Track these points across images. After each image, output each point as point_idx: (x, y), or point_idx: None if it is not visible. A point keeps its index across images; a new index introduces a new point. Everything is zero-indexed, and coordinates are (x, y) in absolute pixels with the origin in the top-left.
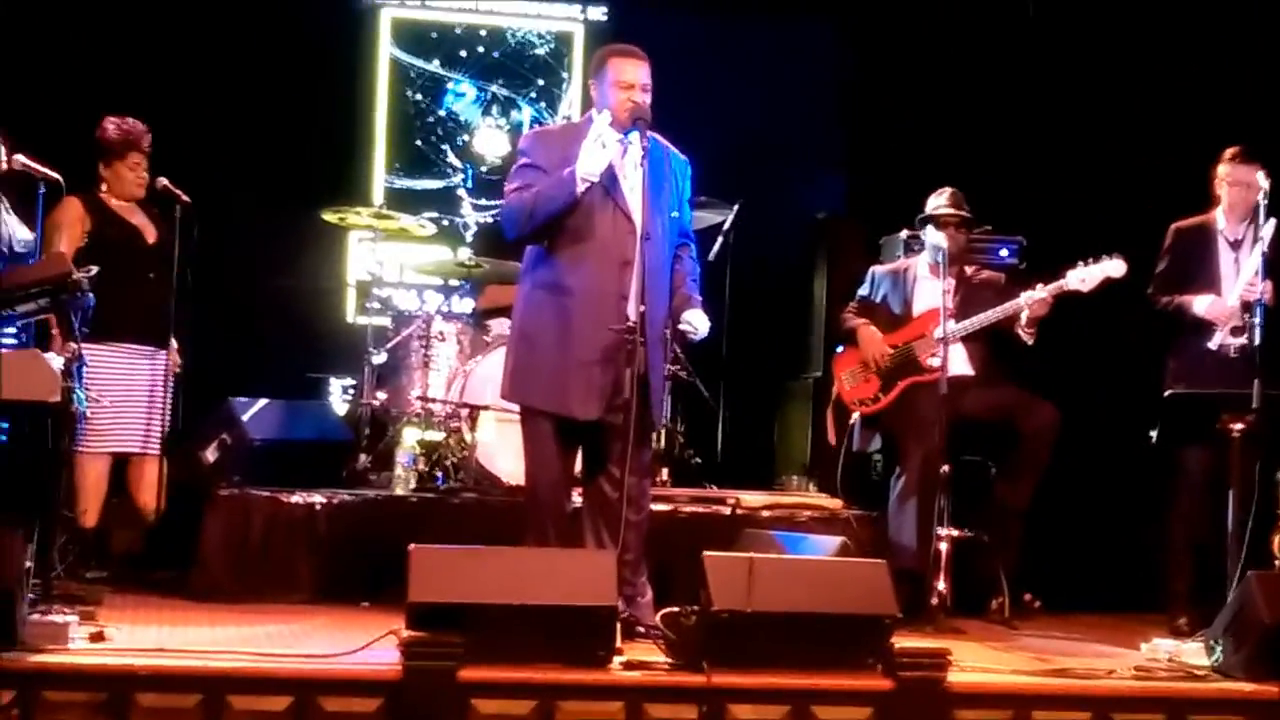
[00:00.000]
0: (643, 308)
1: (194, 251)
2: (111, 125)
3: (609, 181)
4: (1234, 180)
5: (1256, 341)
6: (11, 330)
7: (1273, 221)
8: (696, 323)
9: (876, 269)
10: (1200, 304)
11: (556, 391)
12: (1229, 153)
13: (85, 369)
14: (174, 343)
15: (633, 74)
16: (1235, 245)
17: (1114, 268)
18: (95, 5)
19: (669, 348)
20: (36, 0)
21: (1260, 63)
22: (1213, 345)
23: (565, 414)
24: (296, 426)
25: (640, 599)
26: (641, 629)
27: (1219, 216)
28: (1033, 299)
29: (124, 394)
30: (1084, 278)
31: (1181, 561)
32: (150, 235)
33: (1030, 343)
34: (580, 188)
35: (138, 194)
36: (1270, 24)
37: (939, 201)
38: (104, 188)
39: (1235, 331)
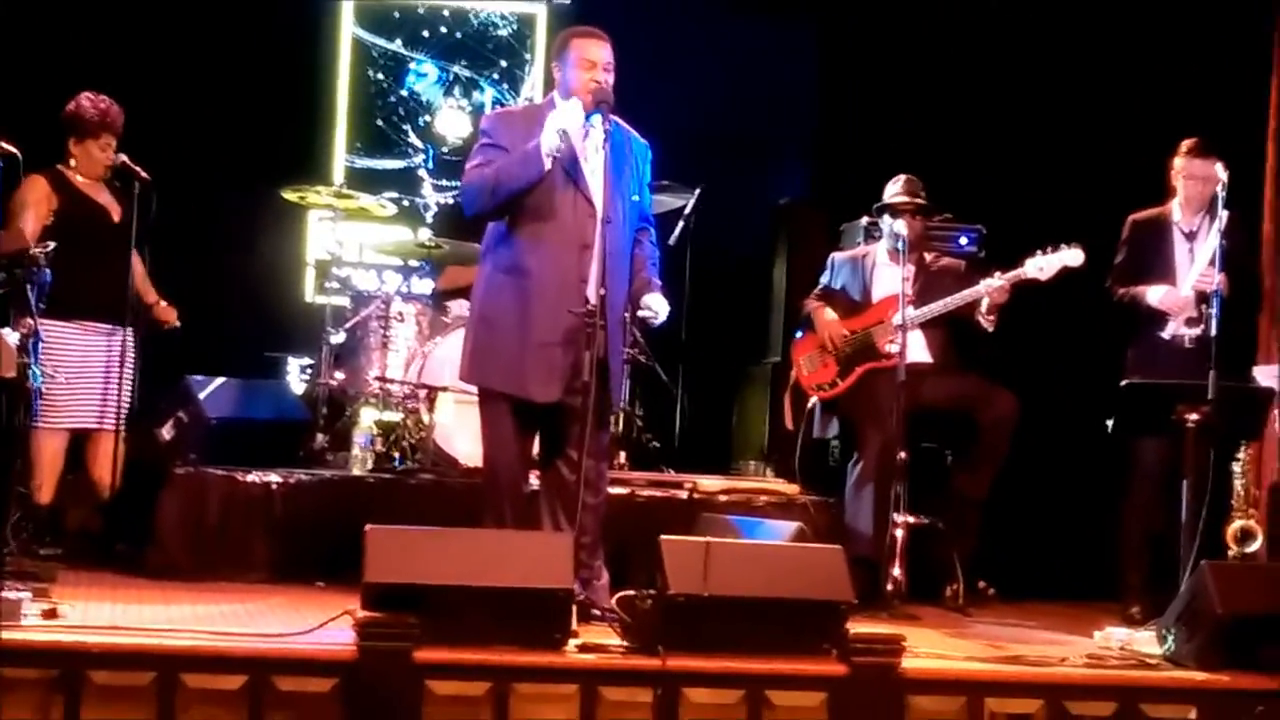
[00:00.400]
0: (603, 291)
1: (151, 228)
2: (88, 103)
3: (570, 165)
4: (1190, 174)
5: (1213, 333)
6: None
7: (1226, 213)
8: (656, 307)
9: (836, 256)
10: (1154, 295)
11: (515, 374)
12: (1185, 146)
13: (42, 345)
14: (162, 301)
15: (596, 53)
16: (1190, 237)
17: (1072, 257)
18: None
19: (628, 332)
20: None
21: (1222, 53)
22: (1166, 335)
23: (524, 396)
24: (254, 405)
25: (596, 581)
26: (597, 612)
27: (1175, 208)
28: (991, 286)
29: (82, 371)
30: (1042, 266)
31: (1136, 551)
32: (115, 213)
33: (991, 330)
34: (547, 164)
35: (103, 173)
36: (1231, 15)
37: (894, 189)
38: (71, 164)
39: (1190, 322)
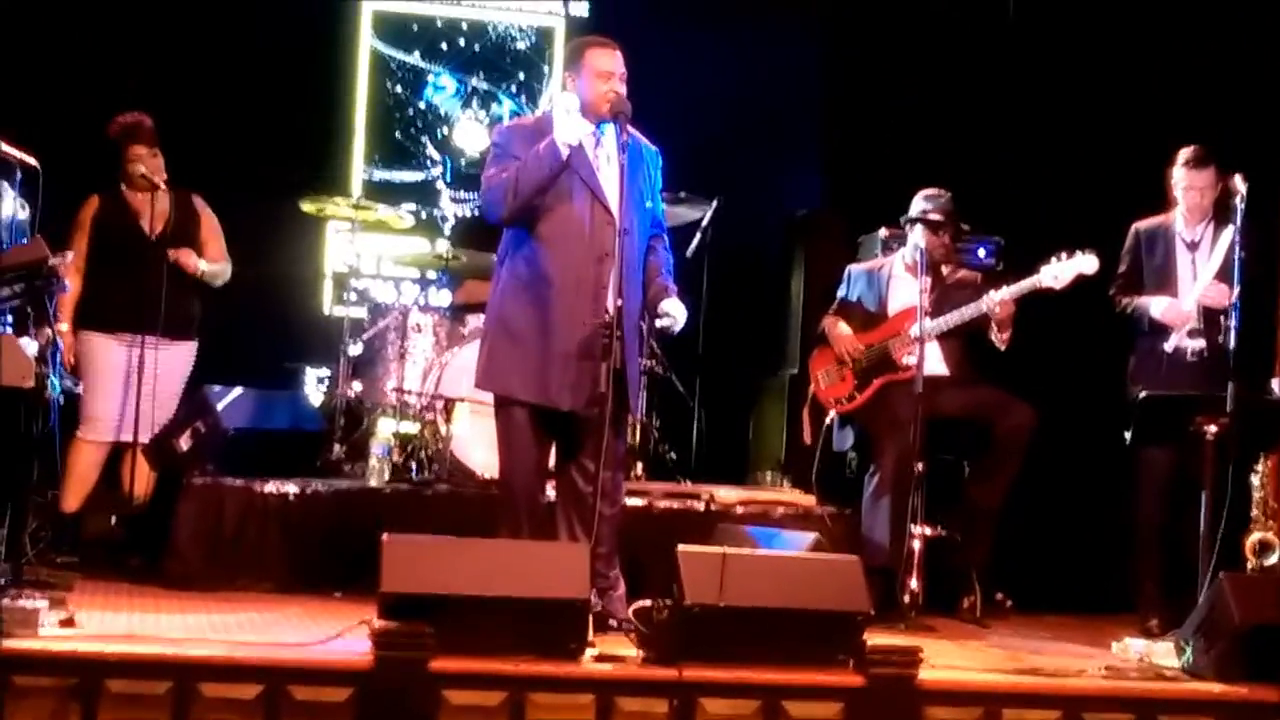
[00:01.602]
0: (620, 301)
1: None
2: (113, 122)
3: (586, 174)
4: (1189, 184)
5: (1231, 344)
6: (8, 319)
7: (1236, 225)
8: (675, 312)
9: (853, 268)
10: (1156, 307)
11: (539, 381)
12: (1182, 157)
13: (82, 357)
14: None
15: (610, 63)
16: (1192, 247)
17: (1087, 264)
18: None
19: (644, 341)
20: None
21: (1237, 63)
22: (1169, 347)
23: (546, 403)
24: (271, 416)
25: (613, 592)
26: (614, 622)
27: (1177, 218)
28: (993, 300)
29: (121, 382)
30: (1057, 274)
31: (1150, 562)
32: (156, 228)
33: (1003, 348)
34: (564, 152)
35: (143, 185)
36: (1246, 25)
37: (930, 205)
38: (123, 183)
39: (1192, 334)
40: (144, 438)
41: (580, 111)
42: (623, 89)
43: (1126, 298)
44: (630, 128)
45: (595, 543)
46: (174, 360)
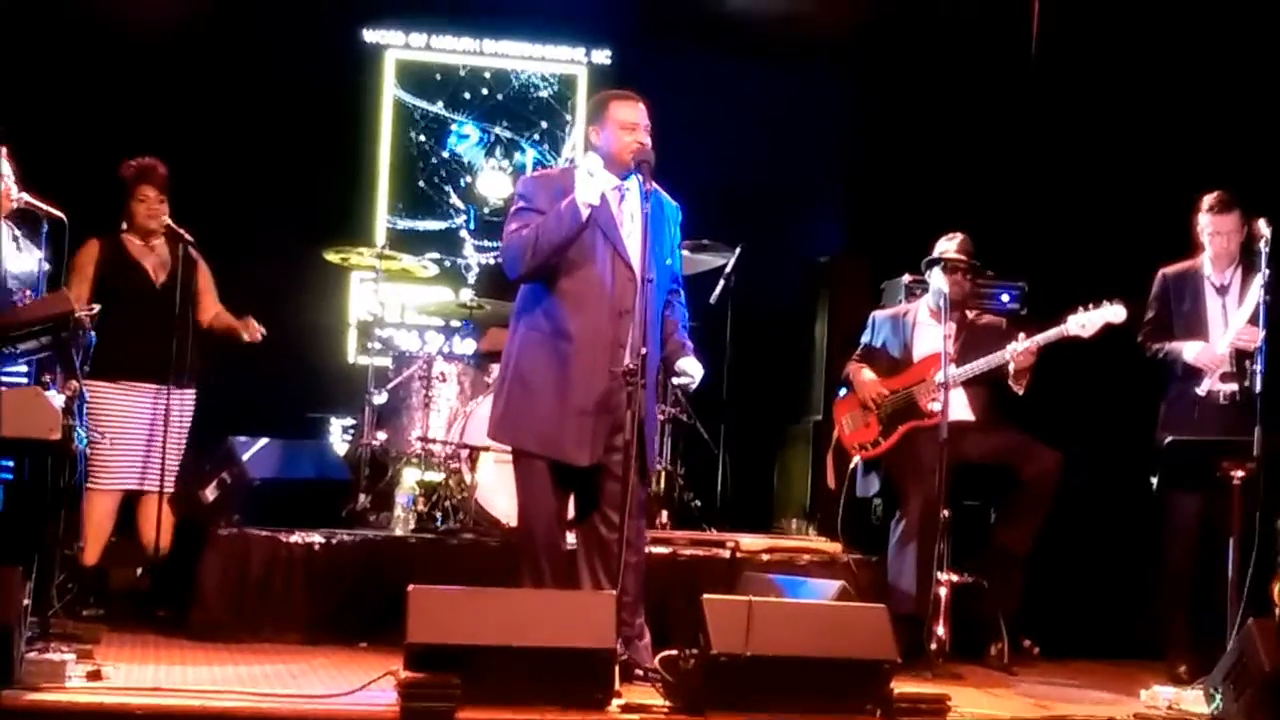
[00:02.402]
0: (644, 350)
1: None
2: (126, 162)
3: (608, 228)
4: (1214, 230)
5: (1257, 389)
6: (22, 369)
7: (1268, 270)
8: (692, 371)
9: (877, 314)
10: (1189, 351)
11: (552, 436)
12: (1206, 203)
13: (88, 406)
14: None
15: (634, 115)
16: (1222, 290)
17: (1114, 313)
18: (101, 44)
19: (668, 392)
20: (46, 39)
21: (1261, 106)
22: (1201, 391)
23: (561, 459)
24: (296, 466)
25: (639, 641)
26: (640, 671)
27: (1205, 262)
28: (1016, 350)
29: (128, 431)
30: (1084, 324)
31: (1177, 608)
32: (159, 276)
33: (1020, 393)
34: (584, 213)
35: (150, 226)
36: (1271, 69)
37: (949, 245)
38: (124, 226)
39: (1225, 378)
40: (157, 486)
41: (605, 164)
42: (647, 140)
43: (1157, 343)
44: (653, 182)
45: (620, 591)
46: (186, 407)
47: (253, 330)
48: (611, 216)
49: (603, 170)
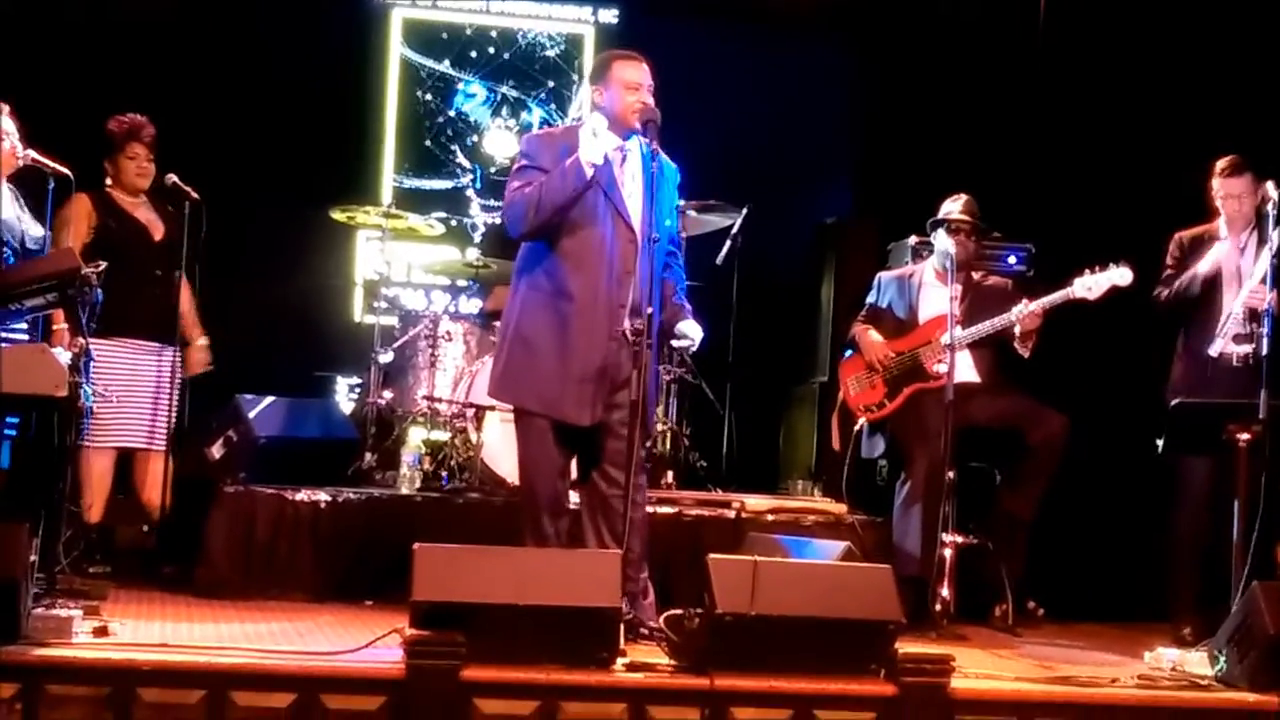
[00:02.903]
0: (649, 309)
1: (201, 248)
2: (113, 119)
3: (609, 188)
4: (1227, 193)
5: (1264, 351)
6: (23, 326)
7: (1278, 233)
8: (691, 333)
9: (883, 275)
10: (1205, 263)
11: (553, 396)
12: (1219, 167)
13: (93, 364)
14: (203, 339)
15: (637, 75)
16: (1239, 252)
17: (1120, 276)
18: (111, 5)
19: (666, 355)
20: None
21: (1270, 69)
22: (1214, 352)
23: (562, 419)
24: (302, 424)
25: (643, 599)
26: (645, 629)
27: (1220, 226)
28: (1022, 313)
29: (130, 390)
30: (1090, 286)
31: (1185, 571)
32: (157, 232)
33: (1026, 357)
34: (588, 171)
35: (139, 185)
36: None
37: (953, 206)
38: (108, 182)
39: (1239, 339)
40: (158, 445)
41: (609, 124)
42: (650, 100)
43: (1169, 289)
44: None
45: (625, 549)
46: (174, 366)
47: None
48: (613, 176)
49: (606, 130)
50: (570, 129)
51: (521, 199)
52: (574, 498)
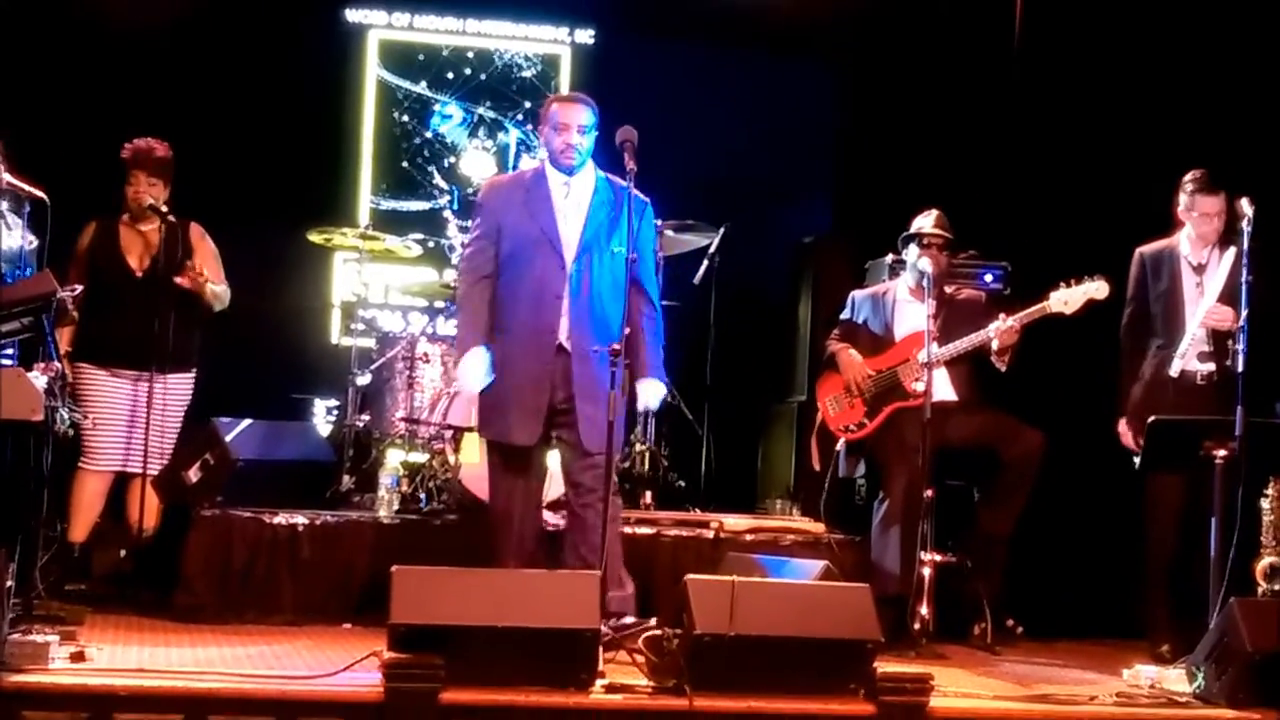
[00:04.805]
0: (627, 330)
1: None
2: (127, 144)
3: (546, 224)
4: (1202, 210)
5: (1240, 368)
6: (8, 351)
7: (1233, 249)
8: (645, 396)
9: (856, 294)
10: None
11: (501, 422)
12: (1189, 184)
13: (73, 387)
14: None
15: (569, 116)
16: (1199, 269)
17: (1097, 289)
18: (84, 26)
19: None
20: (37, 25)
21: (1241, 84)
22: (1174, 373)
23: (505, 440)
24: (280, 447)
25: (619, 591)
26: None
27: (1182, 240)
28: (1000, 329)
29: (113, 415)
30: (1066, 299)
31: (1159, 588)
32: (143, 263)
33: (1003, 370)
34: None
35: (137, 211)
36: (1248, 47)
37: (925, 221)
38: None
39: (1203, 357)
40: (149, 469)
41: (550, 161)
42: (580, 140)
43: (1128, 358)
44: (613, 177)
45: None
46: (174, 391)
47: (190, 275)
48: (551, 210)
49: (475, 371)
50: (520, 175)
51: (462, 264)
52: (549, 517)
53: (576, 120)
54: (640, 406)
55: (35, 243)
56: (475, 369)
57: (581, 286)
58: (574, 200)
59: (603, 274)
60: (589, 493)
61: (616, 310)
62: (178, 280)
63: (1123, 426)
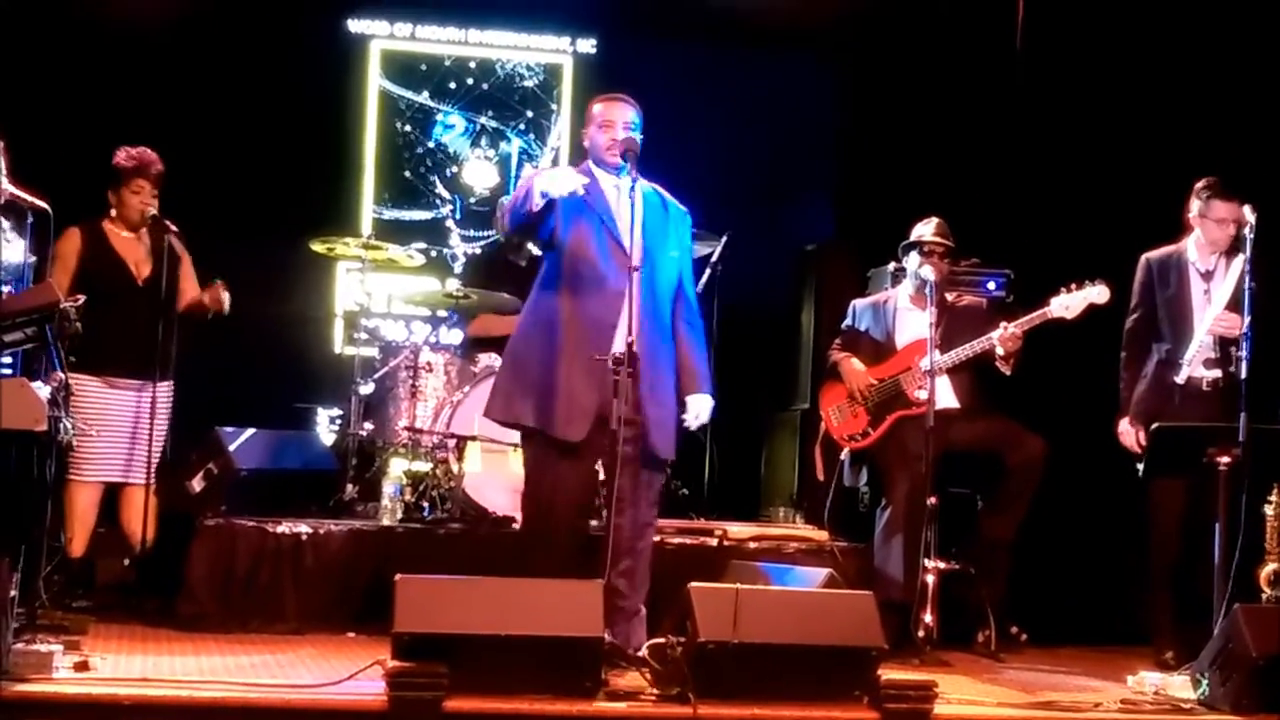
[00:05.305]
0: (631, 339)
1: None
2: (122, 152)
3: (605, 216)
4: (1217, 216)
5: (1243, 375)
6: (8, 360)
7: (1241, 257)
8: (697, 411)
9: (857, 302)
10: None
11: (543, 410)
12: (1204, 188)
13: (72, 398)
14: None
15: (614, 113)
16: (1207, 276)
17: (1097, 294)
18: (85, 33)
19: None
20: (38, 32)
21: (1245, 90)
22: (1180, 379)
23: (551, 431)
24: (283, 456)
25: (634, 618)
26: (624, 660)
27: (1190, 247)
28: (1004, 335)
29: (111, 424)
30: (1068, 305)
31: (1163, 594)
32: (142, 271)
33: (1008, 374)
34: (538, 201)
35: (140, 220)
36: (1252, 54)
37: (925, 229)
38: (111, 214)
39: (1208, 364)
40: (139, 478)
41: (595, 161)
42: (628, 135)
43: (1128, 369)
44: (659, 188)
45: (613, 563)
46: (162, 401)
47: (216, 298)
48: (608, 206)
49: (574, 172)
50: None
51: (502, 208)
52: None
53: (622, 117)
54: (692, 422)
55: (34, 258)
56: (568, 171)
57: (642, 286)
58: (627, 202)
59: (662, 276)
60: (645, 527)
61: (664, 314)
62: (204, 299)
63: (1124, 426)
